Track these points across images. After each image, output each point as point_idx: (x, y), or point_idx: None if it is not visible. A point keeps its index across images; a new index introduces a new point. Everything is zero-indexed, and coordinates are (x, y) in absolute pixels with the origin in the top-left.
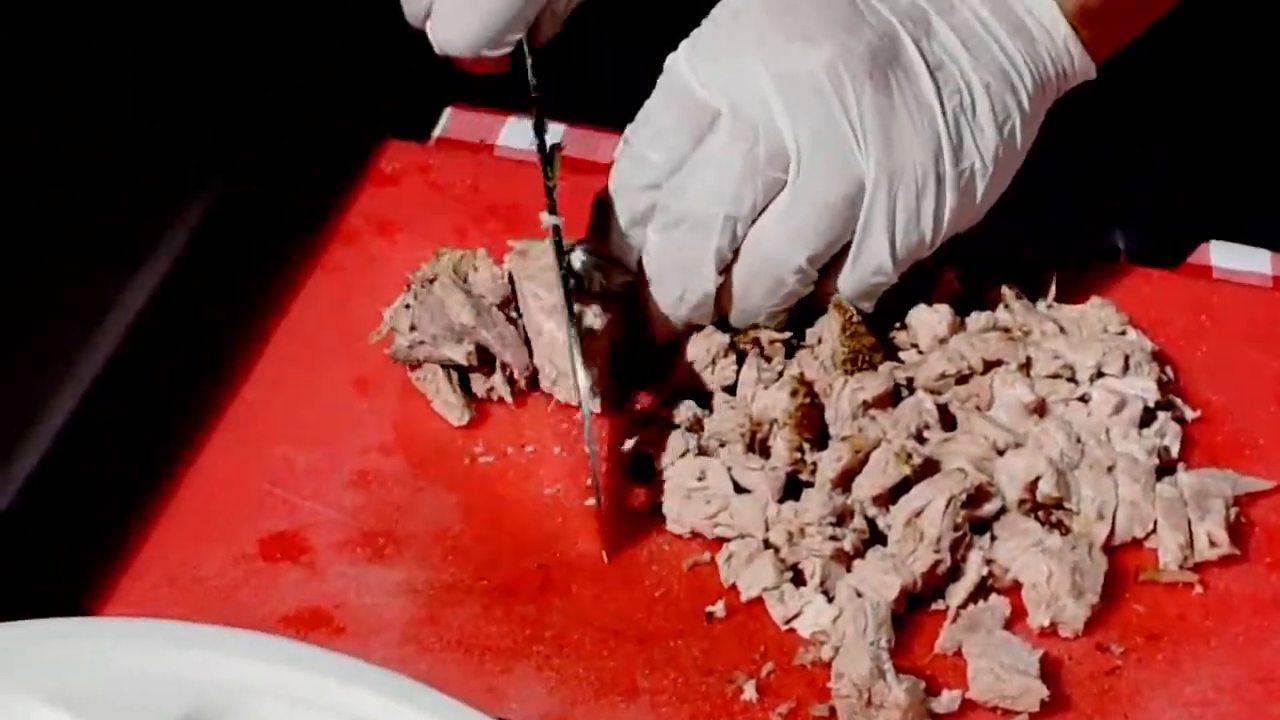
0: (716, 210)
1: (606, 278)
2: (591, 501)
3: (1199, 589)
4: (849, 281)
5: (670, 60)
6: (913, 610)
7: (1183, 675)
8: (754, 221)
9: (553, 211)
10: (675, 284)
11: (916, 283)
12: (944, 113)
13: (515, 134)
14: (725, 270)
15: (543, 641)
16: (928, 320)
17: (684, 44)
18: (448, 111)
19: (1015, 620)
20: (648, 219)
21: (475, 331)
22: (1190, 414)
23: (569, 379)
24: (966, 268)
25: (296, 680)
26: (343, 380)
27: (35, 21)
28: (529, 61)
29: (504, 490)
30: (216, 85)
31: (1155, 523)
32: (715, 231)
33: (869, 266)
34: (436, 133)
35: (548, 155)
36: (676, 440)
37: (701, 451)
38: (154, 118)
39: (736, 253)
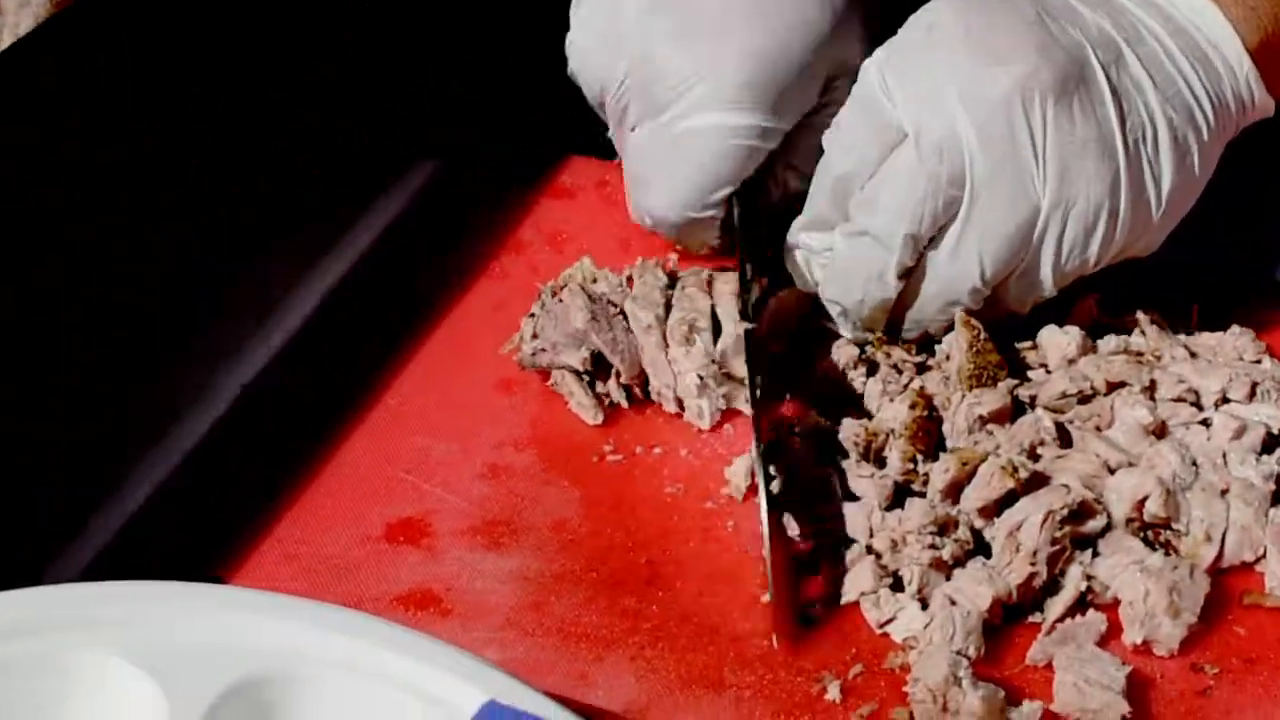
0: (898, 228)
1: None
2: (766, 597)
3: None
4: (1011, 291)
5: (863, 69)
6: (1010, 621)
7: (1276, 700)
8: (934, 237)
9: (745, 318)
10: (857, 288)
11: (1056, 304)
12: (1125, 142)
13: None
14: (905, 276)
15: (639, 633)
16: (1058, 341)
17: (878, 52)
18: None
19: (1112, 637)
20: (832, 224)
21: (589, 337)
22: None
23: (670, 391)
24: (1111, 293)
25: (355, 650)
26: (488, 380)
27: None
28: (736, 211)
29: (626, 487)
30: (411, 91)
31: (1266, 548)
32: (896, 248)
33: (1032, 281)
34: None
35: (747, 283)
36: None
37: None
38: (346, 123)
39: (919, 259)
